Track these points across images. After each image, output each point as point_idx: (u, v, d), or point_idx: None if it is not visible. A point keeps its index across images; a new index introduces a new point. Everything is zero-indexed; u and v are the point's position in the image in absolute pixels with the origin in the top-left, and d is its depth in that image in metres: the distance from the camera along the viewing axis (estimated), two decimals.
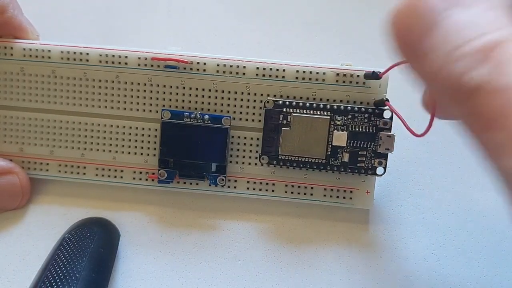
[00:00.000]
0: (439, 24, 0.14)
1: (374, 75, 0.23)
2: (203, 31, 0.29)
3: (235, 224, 0.25)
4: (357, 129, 0.24)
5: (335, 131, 0.24)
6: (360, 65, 0.24)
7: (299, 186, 0.25)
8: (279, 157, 0.24)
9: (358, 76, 0.24)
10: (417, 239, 0.25)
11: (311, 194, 0.25)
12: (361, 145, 0.24)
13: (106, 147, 0.25)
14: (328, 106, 0.24)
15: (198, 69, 0.24)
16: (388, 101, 0.23)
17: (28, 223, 0.25)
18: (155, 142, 0.25)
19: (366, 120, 0.24)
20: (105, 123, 0.25)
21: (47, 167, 0.26)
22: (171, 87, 0.25)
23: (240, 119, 0.25)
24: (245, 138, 0.25)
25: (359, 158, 0.24)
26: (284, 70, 0.24)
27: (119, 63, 0.25)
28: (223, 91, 0.24)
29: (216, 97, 0.25)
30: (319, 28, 0.29)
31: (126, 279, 0.24)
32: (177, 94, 0.25)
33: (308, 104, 0.24)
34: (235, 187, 0.25)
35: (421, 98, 0.20)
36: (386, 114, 0.24)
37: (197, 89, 0.25)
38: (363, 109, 0.24)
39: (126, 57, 0.24)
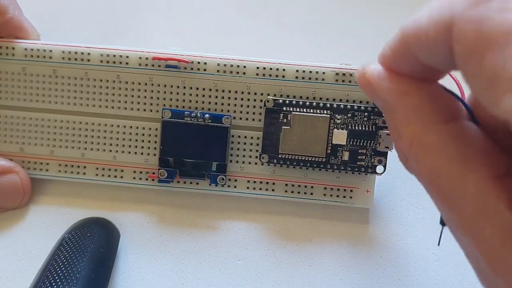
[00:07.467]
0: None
1: None
2: (203, 31, 0.29)
3: (235, 224, 0.25)
4: (357, 128, 0.24)
5: (335, 130, 0.24)
6: (360, 65, 0.24)
7: (299, 185, 0.25)
8: (279, 156, 0.24)
9: None
10: (417, 239, 0.25)
11: (311, 193, 0.25)
12: (361, 144, 0.24)
13: (107, 147, 0.25)
14: (328, 105, 0.24)
15: (198, 69, 0.24)
16: None
17: (28, 223, 0.25)
18: (155, 142, 0.25)
19: (365, 119, 0.24)
20: (105, 122, 0.25)
21: (47, 167, 0.25)
22: (171, 86, 0.25)
23: (241, 118, 0.25)
24: (245, 137, 0.25)
25: (359, 157, 0.24)
26: (284, 70, 0.24)
27: (120, 62, 0.25)
28: (223, 91, 0.25)
29: (216, 97, 0.25)
30: (319, 28, 0.29)
31: (126, 279, 0.24)
32: (177, 93, 0.25)
33: (308, 103, 0.24)
34: (235, 187, 0.25)
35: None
36: None
37: (197, 88, 0.25)
38: (362, 107, 0.24)
39: (127, 57, 0.25)
